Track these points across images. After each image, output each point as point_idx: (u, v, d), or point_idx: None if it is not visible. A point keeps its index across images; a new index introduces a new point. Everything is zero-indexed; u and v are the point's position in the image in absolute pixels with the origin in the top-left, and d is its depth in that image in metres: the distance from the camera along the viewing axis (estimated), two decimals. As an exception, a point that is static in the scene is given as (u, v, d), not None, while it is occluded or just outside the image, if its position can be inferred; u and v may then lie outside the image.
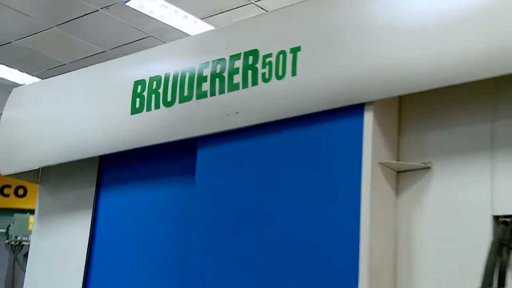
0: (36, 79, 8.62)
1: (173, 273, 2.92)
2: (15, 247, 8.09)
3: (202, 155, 2.89)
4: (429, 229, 2.40)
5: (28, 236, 7.69)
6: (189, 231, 2.84)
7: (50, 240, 3.47)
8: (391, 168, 2.50)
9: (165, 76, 3.00)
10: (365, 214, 2.36)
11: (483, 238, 2.24)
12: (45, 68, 8.44)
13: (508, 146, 2.32)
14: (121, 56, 3.48)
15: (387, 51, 2.40)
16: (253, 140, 2.75)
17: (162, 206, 3.09)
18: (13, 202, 9.51)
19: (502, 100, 2.35)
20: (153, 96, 3.01)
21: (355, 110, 2.48)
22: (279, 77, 2.63)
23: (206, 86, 2.84)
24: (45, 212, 3.57)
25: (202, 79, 2.86)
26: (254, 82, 2.70)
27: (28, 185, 9.36)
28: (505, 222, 2.24)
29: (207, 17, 7.01)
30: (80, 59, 8.02)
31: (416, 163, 2.48)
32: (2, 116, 3.68)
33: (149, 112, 3.02)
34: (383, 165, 2.46)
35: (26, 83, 7.75)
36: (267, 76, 2.66)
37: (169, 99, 2.96)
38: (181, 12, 6.97)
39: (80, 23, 7.26)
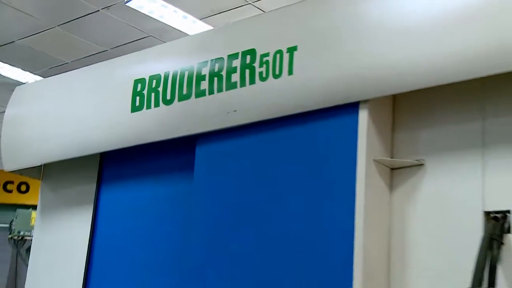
0: (39, 78, 8.61)
1: (173, 268, 2.92)
2: (17, 241, 8.08)
3: (201, 152, 2.89)
4: (422, 224, 2.40)
5: (31, 231, 7.69)
6: (188, 226, 2.84)
7: (52, 235, 3.47)
8: (385, 165, 2.50)
9: (164, 75, 2.99)
10: (359, 209, 2.36)
11: (474, 233, 2.24)
12: (47, 67, 8.42)
13: (499, 143, 2.32)
14: (121, 55, 3.48)
15: (381, 50, 2.41)
16: (250, 138, 2.75)
17: (161, 202, 3.09)
18: (16, 198, 9.50)
19: (492, 98, 2.36)
20: (153, 94, 3.01)
21: (350, 108, 2.48)
22: (276, 76, 2.63)
23: (204, 85, 2.84)
24: (47, 207, 3.56)
25: (200, 77, 2.86)
26: (252, 81, 2.70)
27: (30, 181, 9.36)
28: (495, 218, 2.25)
29: (206, 17, 7.00)
30: (82, 58, 8.01)
31: (410, 160, 2.48)
32: (5, 114, 3.68)
33: (149, 110, 3.02)
34: (377, 162, 2.46)
35: (29, 82, 7.75)
36: (264, 75, 2.66)
37: (168, 97, 2.96)
38: (181, 12, 6.96)
39: (82, 23, 7.25)
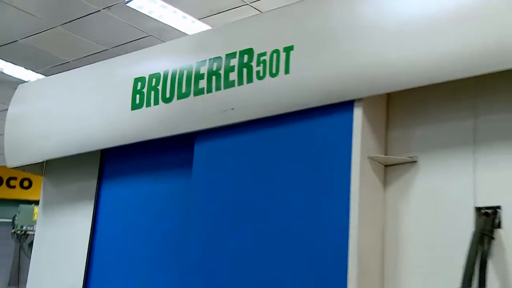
0: (41, 76, 8.59)
1: (172, 262, 2.92)
2: (20, 236, 8.08)
3: (199, 149, 2.88)
4: (415, 219, 2.41)
5: (33, 226, 7.68)
6: (187, 222, 2.84)
7: (54, 229, 3.47)
8: (379, 162, 2.50)
9: (164, 74, 2.99)
10: (354, 205, 2.36)
11: (465, 228, 2.24)
12: (49, 65, 8.41)
13: (490, 141, 2.32)
14: (122, 55, 3.47)
15: (375, 50, 2.41)
16: (248, 135, 2.75)
17: (160, 198, 3.09)
18: (18, 193, 9.49)
19: (483, 97, 2.36)
20: (153, 92, 3.01)
21: (345, 106, 2.48)
22: (273, 75, 2.63)
23: (203, 83, 2.84)
24: (49, 203, 3.56)
25: (199, 76, 2.86)
26: (249, 80, 2.70)
27: (33, 177, 9.34)
28: (486, 214, 2.25)
29: (205, 17, 7.00)
30: (83, 57, 8.00)
31: (403, 157, 2.48)
32: (8, 111, 3.67)
33: (148, 108, 3.01)
34: (371, 159, 2.46)
35: (31, 80, 7.74)
36: (261, 74, 2.66)
37: (167, 95, 2.95)
38: (180, 13, 6.95)
39: (83, 22, 7.25)
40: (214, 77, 2.81)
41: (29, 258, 3.57)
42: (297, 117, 2.61)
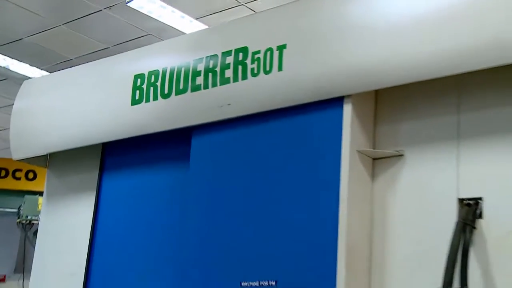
0: (45, 73, 8.56)
1: (170, 252, 2.91)
2: (25, 225, 8.05)
3: (196, 143, 2.88)
4: (401, 210, 2.41)
5: (38, 215, 7.65)
6: (185, 213, 2.83)
7: (57, 219, 3.46)
8: (368, 156, 2.50)
9: (162, 71, 2.98)
10: (343, 197, 2.37)
11: (449, 218, 2.25)
12: (53, 63, 8.37)
13: (472, 136, 2.33)
14: (122, 52, 3.46)
15: (364, 49, 2.40)
16: (243, 130, 2.75)
17: (159, 189, 3.08)
18: (24, 184, 9.45)
19: (466, 94, 2.37)
20: (152, 88, 3.00)
21: (335, 102, 2.48)
22: (266, 72, 2.62)
23: (200, 80, 2.83)
24: (52, 194, 3.55)
25: (196, 73, 2.85)
26: (244, 77, 2.69)
27: (37, 169, 9.30)
28: (468, 204, 2.26)
29: (202, 17, 6.98)
30: (85, 54, 7.96)
31: (390, 151, 2.48)
32: (14, 106, 3.66)
33: (148, 103, 3.00)
34: (360, 152, 2.46)
35: (36, 77, 7.70)
36: (255, 71, 2.66)
37: (166, 91, 2.94)
38: (178, 13, 6.93)
39: (85, 21, 7.21)
40: (210, 74, 2.80)
41: (34, 246, 3.56)
42: (290, 113, 2.60)
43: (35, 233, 3.55)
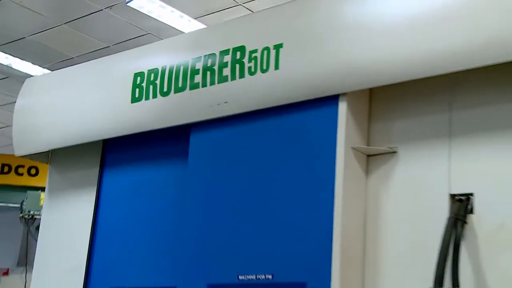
0: (47, 71, 8.53)
1: (169, 246, 2.90)
2: (28, 220, 8.04)
3: (195, 140, 2.87)
4: (394, 206, 2.41)
5: (40, 210, 7.64)
6: (183, 208, 2.83)
7: (58, 214, 3.45)
8: (362, 152, 2.50)
9: (162, 69, 2.97)
10: (338, 192, 2.37)
11: (441, 214, 2.25)
12: (55, 61, 8.35)
13: (464, 133, 2.33)
14: (122, 51, 3.45)
15: (359, 48, 2.40)
16: (240, 127, 2.74)
17: (158, 185, 3.07)
18: (26, 180, 9.44)
19: (458, 92, 2.37)
20: (151, 86, 2.99)
21: (331, 100, 2.48)
22: (263, 71, 2.62)
23: (198, 78, 2.82)
24: (54, 189, 3.54)
25: (195, 72, 2.84)
26: (241, 75, 2.69)
27: (40, 166, 9.29)
28: (460, 200, 2.26)
29: (200, 16, 6.97)
30: (86, 53, 7.94)
31: (384, 148, 2.48)
32: (16, 104, 3.64)
33: (147, 101, 3.00)
34: (355, 149, 2.46)
35: (38, 75, 7.68)
36: (253, 70, 2.65)
37: (165, 89, 2.94)
38: (177, 12, 6.92)
39: (86, 21, 7.20)
40: (208, 73, 2.79)
41: (36, 240, 3.55)
42: (286, 110, 2.60)
43: (37, 227, 3.55)
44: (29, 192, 8.18)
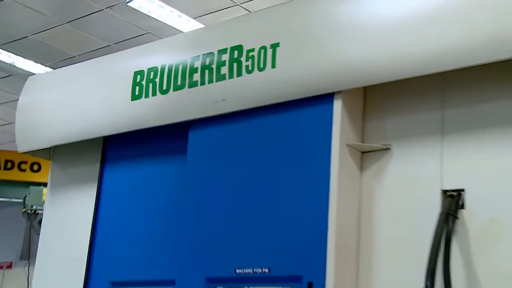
0: (49, 69, 8.50)
1: (168, 239, 2.90)
2: (30, 215, 8.02)
3: (193, 136, 2.87)
4: (388, 201, 2.41)
5: (42, 205, 7.62)
6: (182, 202, 2.83)
7: (60, 209, 3.45)
8: (356, 149, 2.50)
9: (161, 67, 2.96)
10: (333, 188, 2.36)
11: (433, 209, 2.25)
12: (57, 60, 8.32)
13: (455, 130, 2.33)
14: (123, 50, 3.44)
15: (354, 48, 2.40)
16: (237, 124, 2.74)
17: (157, 180, 3.07)
18: (29, 176, 9.41)
19: (450, 90, 2.37)
20: (151, 84, 2.98)
21: (326, 98, 2.47)
22: (260, 69, 2.61)
23: (197, 77, 2.82)
24: (56, 185, 3.53)
25: (193, 70, 2.83)
26: (239, 73, 2.68)
27: (42, 162, 9.26)
28: (451, 196, 2.26)
29: (199, 16, 6.95)
30: (87, 52, 7.92)
31: (378, 145, 2.48)
32: (19, 101, 3.63)
33: (147, 99, 2.99)
34: (349, 146, 2.46)
35: (40, 73, 7.66)
36: (250, 68, 2.65)
37: (164, 87, 2.93)
38: (176, 12, 6.90)
39: (87, 20, 7.17)
40: (207, 71, 2.79)
41: (39, 234, 3.55)
42: (282, 108, 2.59)
43: (40, 222, 3.54)
44: (32, 188, 8.16)
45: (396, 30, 2.31)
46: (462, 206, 2.24)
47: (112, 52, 3.54)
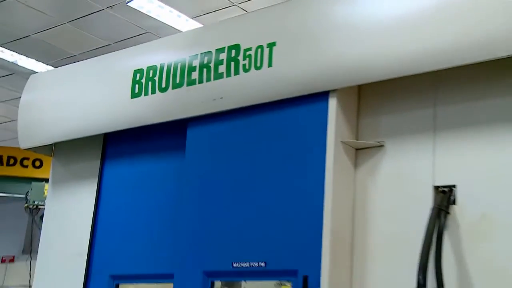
0: (51, 68, 8.48)
1: (166, 234, 2.89)
2: (33, 210, 8.01)
3: (192, 133, 2.86)
4: (381, 197, 2.41)
5: (44, 201, 7.61)
6: (180, 197, 2.82)
7: (61, 204, 3.44)
8: (351, 146, 2.49)
9: (160, 66, 2.96)
10: (328, 184, 2.36)
11: (425, 204, 2.25)
12: (58, 58, 8.29)
13: (447, 128, 2.33)
14: (123, 49, 3.43)
15: (348, 47, 2.40)
16: (235, 121, 2.73)
17: (156, 176, 3.06)
18: (31, 172, 9.40)
19: (442, 89, 2.37)
20: (150, 83, 2.97)
21: (321, 96, 2.47)
22: (257, 68, 2.61)
23: (195, 75, 2.81)
24: (57, 180, 3.53)
25: (192, 68, 2.83)
26: (236, 72, 2.67)
27: (44, 158, 9.25)
28: (443, 191, 2.26)
29: (197, 16, 6.93)
30: (88, 51, 7.89)
31: (372, 142, 2.48)
32: (21, 99, 3.62)
33: (146, 97, 2.98)
34: (344, 143, 2.45)
35: (42, 71, 7.63)
36: (247, 67, 2.64)
37: (163, 85, 2.92)
38: (175, 12, 6.89)
39: (88, 20, 7.15)
40: (205, 70, 2.78)
41: (40, 229, 3.54)
42: (279, 106, 2.59)
43: (42, 217, 3.53)
44: (34, 183, 8.15)
45: (389, 30, 2.31)
46: (454, 202, 2.24)
47: (112, 51, 3.53)
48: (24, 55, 8.41)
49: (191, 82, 2.82)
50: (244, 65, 2.65)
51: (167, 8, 6.83)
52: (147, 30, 7.37)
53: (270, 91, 2.59)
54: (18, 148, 3.65)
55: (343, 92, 2.47)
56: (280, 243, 2.43)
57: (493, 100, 2.26)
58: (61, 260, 3.30)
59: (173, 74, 2.89)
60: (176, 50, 2.98)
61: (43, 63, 8.62)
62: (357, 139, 2.52)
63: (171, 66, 2.91)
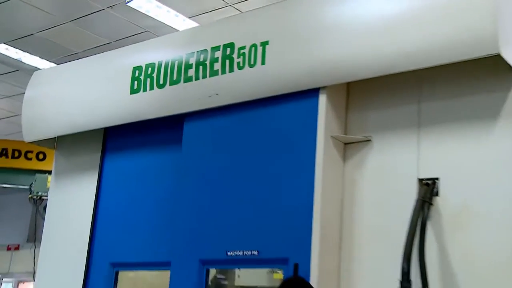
0: (53, 65, 8.42)
1: (164, 224, 2.89)
2: (36, 201, 7.97)
3: (188, 128, 2.85)
4: (369, 189, 2.41)
5: (47, 192, 7.57)
6: (177, 189, 2.81)
7: (64, 195, 3.42)
8: (340, 140, 2.49)
9: (158, 63, 2.94)
10: (318, 176, 2.36)
11: (410, 196, 2.25)
12: (61, 56, 8.24)
13: (431, 123, 2.34)
14: (122, 47, 3.41)
15: (338, 46, 2.39)
16: (229, 116, 2.73)
17: (154, 169, 3.05)
18: (35, 164, 9.35)
19: (426, 86, 2.38)
20: (148, 79, 2.96)
21: (312, 93, 2.47)
22: (251, 66, 2.60)
23: (191, 72, 2.80)
24: (60, 172, 3.51)
25: (188, 66, 2.81)
26: (231, 69, 2.66)
27: (47, 151, 9.21)
28: (427, 184, 2.27)
29: (194, 16, 6.90)
30: (89, 49, 7.84)
31: (360, 136, 2.48)
32: (25, 95, 3.60)
33: (145, 93, 2.97)
34: (333, 138, 2.45)
35: (45, 68, 7.59)
36: (241, 65, 2.63)
37: (161, 82, 2.91)
38: (173, 12, 6.86)
39: (89, 19, 7.11)
40: (201, 67, 2.77)
41: (44, 219, 3.53)
42: (271, 102, 2.58)
43: (45, 207, 3.52)
44: (37, 175, 8.10)
45: (377, 30, 2.31)
46: (437, 194, 2.24)
47: (113, 49, 3.50)
48: (28, 52, 8.36)
49: (187, 79, 2.81)
50: (238, 63, 2.64)
51: (165, 8, 6.80)
52: (146, 29, 7.33)
53: (263, 88, 2.58)
54: (23, 142, 3.63)
55: (332, 89, 2.46)
56: (272, 233, 2.43)
57: (474, 97, 2.26)
58: (64, 248, 3.29)
59: (170, 71, 2.87)
60: (174, 48, 2.96)
61: (47, 60, 8.56)
62: (345, 134, 2.52)
63: (168, 64, 2.89)
